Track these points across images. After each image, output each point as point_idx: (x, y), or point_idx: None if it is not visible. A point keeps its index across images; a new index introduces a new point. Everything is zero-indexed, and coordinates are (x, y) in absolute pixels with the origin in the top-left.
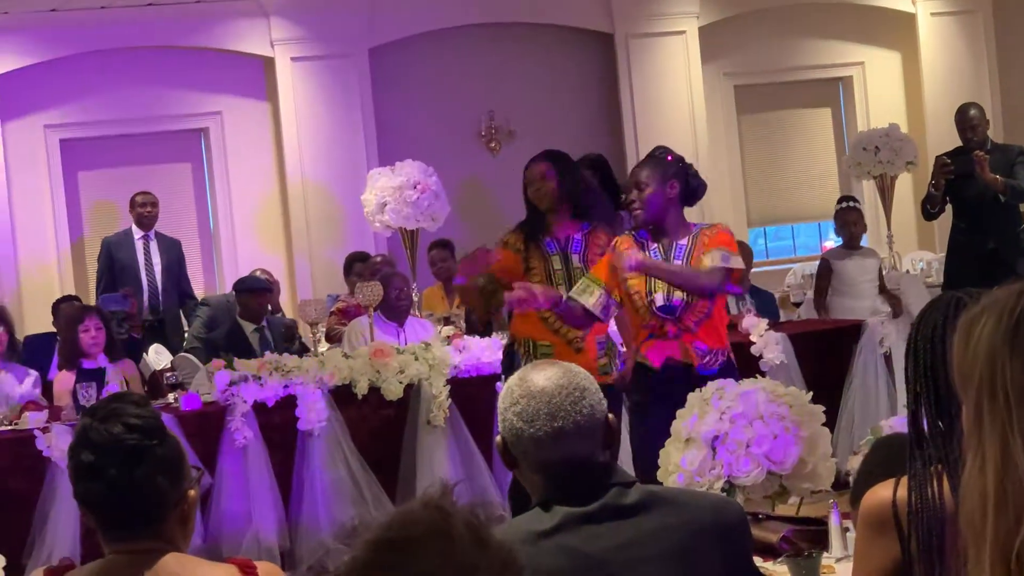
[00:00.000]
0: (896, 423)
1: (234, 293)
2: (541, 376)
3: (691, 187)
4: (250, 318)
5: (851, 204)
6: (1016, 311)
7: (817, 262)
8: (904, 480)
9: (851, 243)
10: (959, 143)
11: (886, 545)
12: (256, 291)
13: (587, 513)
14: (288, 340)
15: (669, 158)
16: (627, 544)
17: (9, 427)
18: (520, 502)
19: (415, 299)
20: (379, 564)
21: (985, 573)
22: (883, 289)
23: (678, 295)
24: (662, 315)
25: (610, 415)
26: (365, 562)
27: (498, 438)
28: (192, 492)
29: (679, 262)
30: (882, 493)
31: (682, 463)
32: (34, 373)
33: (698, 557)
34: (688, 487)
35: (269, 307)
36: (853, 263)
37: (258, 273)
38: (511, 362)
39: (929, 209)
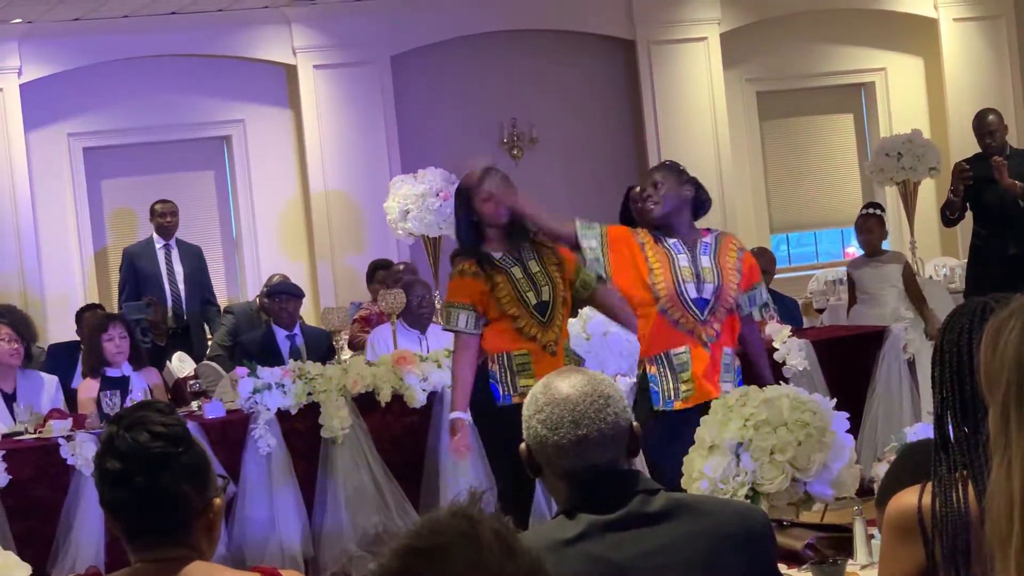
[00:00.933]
0: (920, 429)
1: (264, 299)
2: (566, 383)
3: (700, 199)
4: (282, 324)
5: (870, 211)
6: None
7: (839, 268)
8: (929, 486)
9: (868, 251)
10: (979, 149)
11: (911, 551)
12: (287, 295)
13: (611, 521)
14: (329, 354)
15: (681, 167)
16: (652, 552)
17: (33, 435)
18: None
19: (437, 306)
20: (407, 572)
21: None
22: (913, 297)
23: (709, 283)
24: (696, 309)
25: (635, 423)
26: (393, 570)
27: (522, 445)
28: (218, 500)
29: (706, 257)
30: (907, 499)
31: (706, 470)
32: (53, 378)
33: (723, 565)
34: (712, 494)
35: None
36: (871, 271)
37: (277, 278)
38: (485, 382)
39: (948, 215)
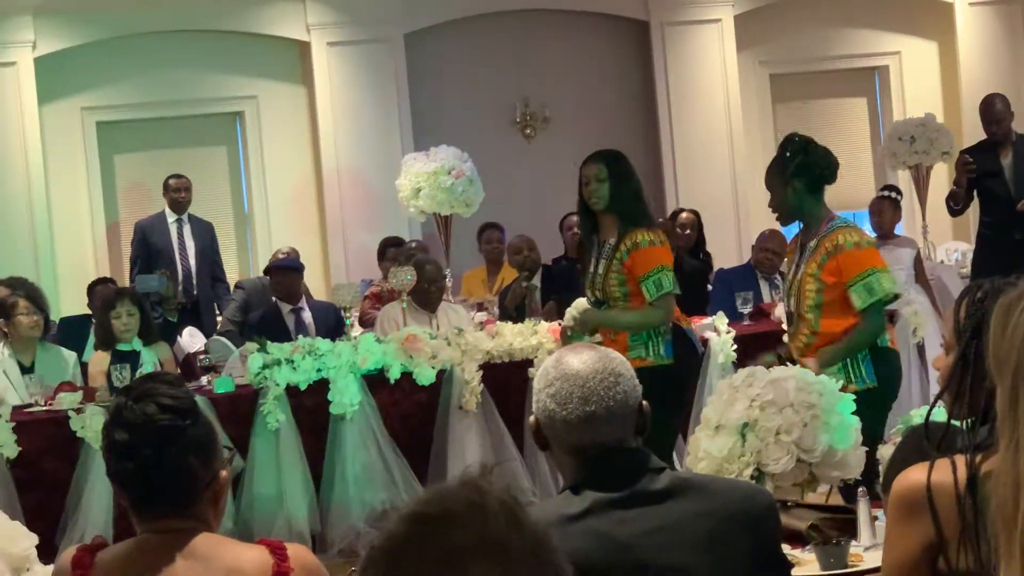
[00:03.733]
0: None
1: (267, 277)
2: (577, 359)
3: (815, 174)
4: (285, 299)
5: (884, 194)
6: None
7: None
8: (939, 463)
9: (880, 233)
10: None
11: (919, 528)
12: (288, 270)
13: (617, 498)
14: (338, 328)
15: (787, 153)
16: (656, 530)
17: (43, 408)
18: None
19: (449, 284)
20: (414, 538)
21: (1015, 560)
22: (920, 279)
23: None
24: None
25: (644, 402)
26: (400, 535)
27: (531, 418)
28: (224, 473)
29: (801, 268)
30: (915, 476)
31: (711, 450)
32: (73, 354)
33: (726, 544)
34: (718, 474)
35: (304, 289)
36: (887, 254)
37: (284, 252)
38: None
39: (952, 206)
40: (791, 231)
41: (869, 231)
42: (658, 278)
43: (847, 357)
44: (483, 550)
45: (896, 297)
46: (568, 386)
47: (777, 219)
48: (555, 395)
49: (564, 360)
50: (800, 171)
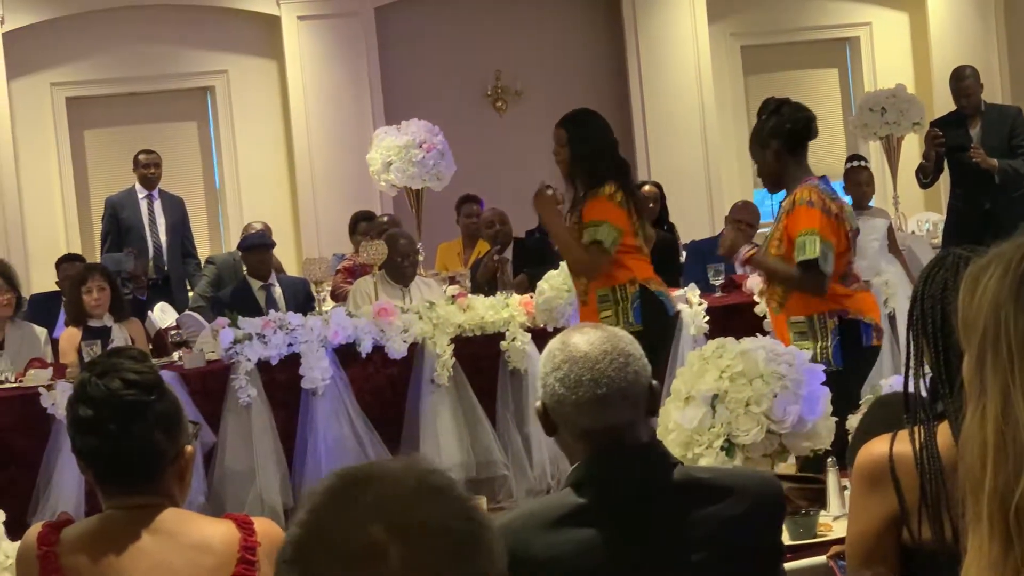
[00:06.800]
0: (895, 382)
1: (239, 252)
2: (584, 340)
3: (790, 131)
4: (257, 275)
5: (862, 163)
6: (1023, 263)
7: None
8: (901, 434)
9: (860, 203)
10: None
11: (882, 500)
12: (258, 247)
13: (623, 495)
14: (308, 303)
15: (762, 116)
16: (663, 528)
17: (14, 384)
18: None
19: (421, 259)
20: (336, 491)
21: (983, 524)
22: (892, 249)
23: None
24: None
25: (654, 382)
26: (325, 487)
27: (537, 403)
28: (190, 448)
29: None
30: (878, 448)
31: (681, 421)
32: (44, 330)
33: (735, 541)
34: (688, 445)
35: (276, 264)
36: (862, 223)
37: (257, 226)
38: None
39: (922, 179)
40: (764, 204)
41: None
42: (594, 229)
43: (774, 277)
44: (387, 516)
45: (815, 263)
46: (577, 369)
47: (766, 187)
48: (563, 379)
49: (571, 342)
50: (775, 132)
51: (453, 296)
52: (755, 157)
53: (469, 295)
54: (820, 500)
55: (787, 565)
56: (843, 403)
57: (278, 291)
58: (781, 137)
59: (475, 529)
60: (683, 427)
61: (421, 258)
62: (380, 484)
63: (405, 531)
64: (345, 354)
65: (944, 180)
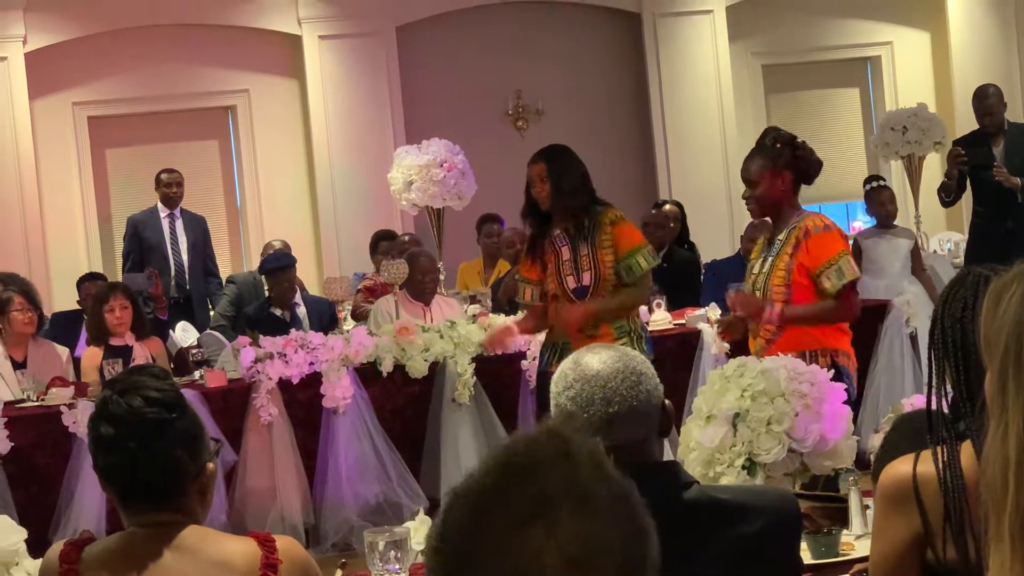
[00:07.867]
0: (918, 401)
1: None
2: (596, 360)
3: (802, 169)
4: (281, 302)
5: (881, 184)
6: None
7: None
8: (924, 454)
9: (885, 222)
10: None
11: (906, 520)
12: (279, 270)
13: None
14: (331, 324)
15: (778, 144)
16: (680, 548)
17: (35, 403)
18: None
19: (442, 278)
20: (503, 487)
21: (1004, 542)
22: (916, 269)
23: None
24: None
25: (667, 401)
26: (488, 485)
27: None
28: (211, 465)
29: (770, 260)
30: (901, 468)
31: (702, 440)
32: (65, 349)
33: (752, 561)
34: (710, 463)
35: (299, 282)
36: (886, 243)
37: (276, 244)
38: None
39: (944, 198)
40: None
41: (864, 222)
42: (643, 253)
43: (808, 323)
44: (571, 498)
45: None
46: (589, 388)
47: (751, 209)
48: (575, 398)
49: (582, 361)
50: (791, 165)
51: (474, 315)
52: (761, 179)
53: (490, 314)
54: (842, 519)
55: None
56: None
57: (302, 310)
58: (796, 173)
59: (635, 503)
60: (704, 446)
61: (442, 277)
62: (547, 472)
63: (586, 511)
64: (366, 373)
65: (966, 199)
